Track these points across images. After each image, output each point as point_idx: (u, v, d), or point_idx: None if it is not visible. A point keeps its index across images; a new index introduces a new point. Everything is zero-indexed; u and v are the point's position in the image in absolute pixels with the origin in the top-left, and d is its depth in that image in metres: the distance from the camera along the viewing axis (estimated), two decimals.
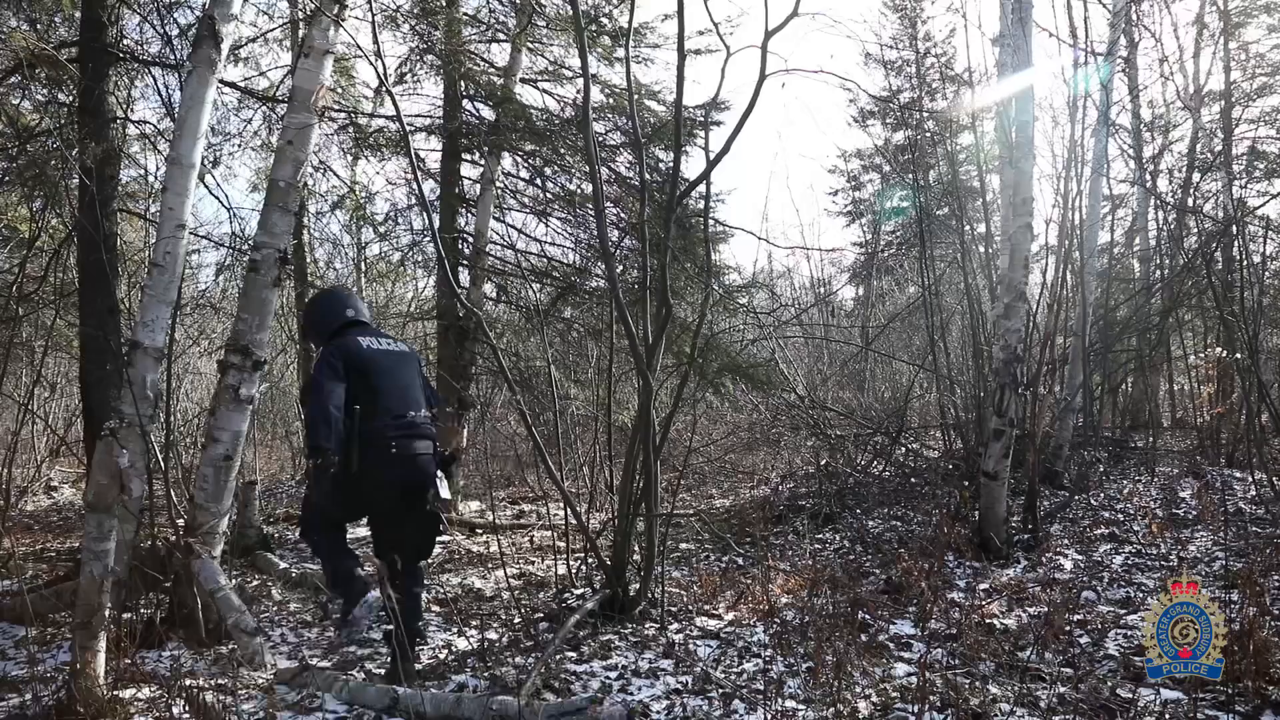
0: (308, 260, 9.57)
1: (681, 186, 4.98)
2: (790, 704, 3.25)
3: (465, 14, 8.80)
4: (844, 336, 17.64)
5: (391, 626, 3.53)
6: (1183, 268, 9.15)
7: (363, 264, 11.76)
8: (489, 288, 9.06)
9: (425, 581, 4.42)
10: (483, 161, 8.90)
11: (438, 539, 4.02)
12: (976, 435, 6.99)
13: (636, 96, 8.22)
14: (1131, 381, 10.49)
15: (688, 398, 7.84)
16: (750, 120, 5.04)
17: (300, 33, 7.29)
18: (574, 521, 4.80)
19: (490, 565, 6.14)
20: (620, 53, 8.46)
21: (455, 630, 4.50)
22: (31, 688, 3.35)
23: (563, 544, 5.65)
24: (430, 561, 5.97)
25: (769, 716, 3.10)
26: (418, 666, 3.79)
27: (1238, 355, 7.02)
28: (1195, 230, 10.60)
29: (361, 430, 3.62)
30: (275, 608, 5.15)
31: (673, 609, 4.66)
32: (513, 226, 9.24)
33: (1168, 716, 2.97)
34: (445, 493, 3.76)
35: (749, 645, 4.04)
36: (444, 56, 8.04)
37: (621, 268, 8.19)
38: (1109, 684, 3.28)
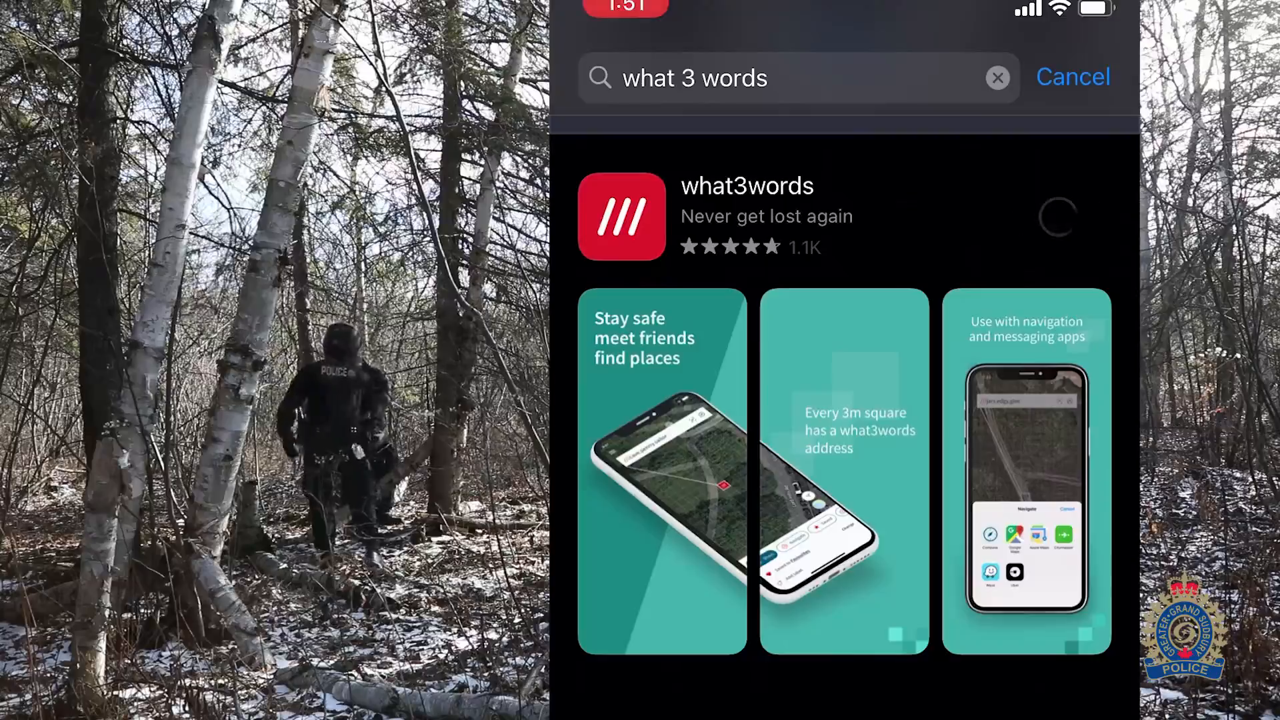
0: (308, 260, 9.57)
1: None
2: None
3: (465, 14, 8.80)
4: None
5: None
6: (1183, 268, 9.16)
7: (363, 264, 11.74)
8: (489, 288, 9.05)
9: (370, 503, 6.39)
10: (483, 161, 8.90)
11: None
12: None
13: None
14: None
15: None
16: None
17: (300, 33, 7.29)
18: None
19: (490, 565, 6.14)
20: None
21: (455, 630, 4.50)
22: (31, 688, 3.35)
23: None
24: (431, 561, 6.37)
25: None
26: (417, 667, 3.96)
27: (1238, 355, 7.02)
28: (1195, 230, 10.61)
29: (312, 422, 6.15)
30: (275, 608, 5.14)
31: None
32: (513, 226, 9.25)
33: (1168, 716, 2.97)
34: (360, 454, 6.07)
35: None
36: (444, 56, 8.03)
37: None
38: None
